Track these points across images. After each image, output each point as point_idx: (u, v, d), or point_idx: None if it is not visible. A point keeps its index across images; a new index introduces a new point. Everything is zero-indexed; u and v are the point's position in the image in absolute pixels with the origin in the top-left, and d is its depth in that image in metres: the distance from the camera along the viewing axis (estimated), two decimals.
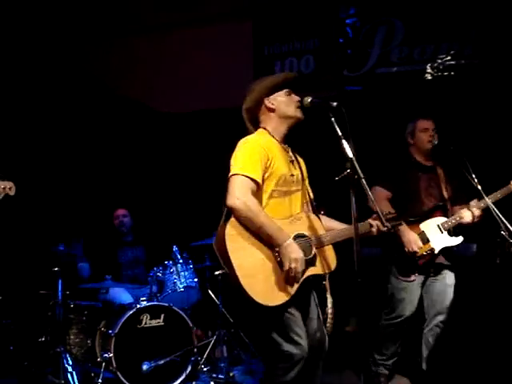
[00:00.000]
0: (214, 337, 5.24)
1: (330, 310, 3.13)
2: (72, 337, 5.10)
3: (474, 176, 4.10)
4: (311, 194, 3.40)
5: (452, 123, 5.21)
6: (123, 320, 4.66)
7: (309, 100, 3.21)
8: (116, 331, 4.61)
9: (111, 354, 4.56)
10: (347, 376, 4.73)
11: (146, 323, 4.77)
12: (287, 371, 3.02)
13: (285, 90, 3.26)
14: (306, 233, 3.14)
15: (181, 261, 5.27)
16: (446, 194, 4.39)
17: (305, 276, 3.05)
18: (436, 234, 4.23)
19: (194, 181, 6.79)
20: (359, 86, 6.22)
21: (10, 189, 3.85)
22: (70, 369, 4.70)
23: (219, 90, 6.56)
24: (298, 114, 3.24)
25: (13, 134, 6.11)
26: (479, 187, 4.10)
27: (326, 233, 3.20)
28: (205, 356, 5.13)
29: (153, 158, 7.00)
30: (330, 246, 3.21)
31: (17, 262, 5.84)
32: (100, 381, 4.52)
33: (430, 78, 5.80)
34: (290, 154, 3.33)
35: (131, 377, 4.56)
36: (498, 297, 5.08)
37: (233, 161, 3.12)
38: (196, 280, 5.30)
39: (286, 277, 2.98)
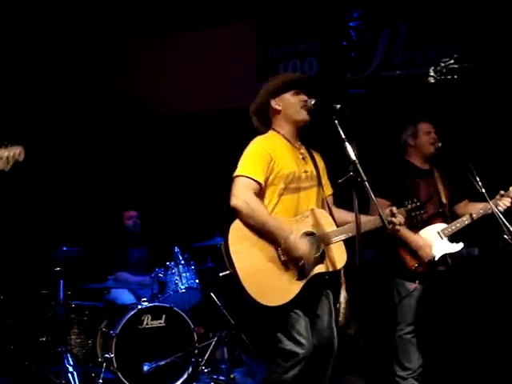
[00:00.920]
0: (215, 338, 5.24)
1: (342, 304, 3.14)
2: (73, 337, 5.12)
3: (478, 179, 4.09)
4: (330, 190, 3.42)
5: (455, 126, 5.21)
6: (124, 320, 4.67)
7: (312, 102, 3.22)
8: (117, 332, 4.62)
9: (112, 355, 4.57)
10: (349, 380, 4.70)
11: (147, 324, 4.78)
12: (288, 370, 3.04)
13: (291, 91, 3.27)
14: (315, 230, 3.15)
15: (182, 262, 5.27)
16: (444, 200, 4.37)
17: (311, 274, 3.07)
18: (436, 241, 4.22)
19: (196, 182, 6.79)
20: (362, 89, 6.22)
21: (19, 154, 3.58)
22: (70, 369, 4.71)
23: (223, 91, 6.57)
24: (303, 115, 3.25)
25: (18, 136, 6.10)
26: (483, 190, 4.09)
27: (335, 229, 3.20)
28: (205, 357, 5.13)
29: (155, 159, 7.00)
30: (341, 243, 3.21)
31: (18, 261, 5.84)
32: (101, 381, 4.53)
33: (433, 81, 5.80)
34: (302, 151, 3.34)
35: (132, 377, 4.57)
36: (499, 300, 5.07)
37: (238, 163, 3.17)
38: (197, 281, 5.30)
39: (293, 272, 3.01)
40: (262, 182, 3.11)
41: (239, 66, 6.67)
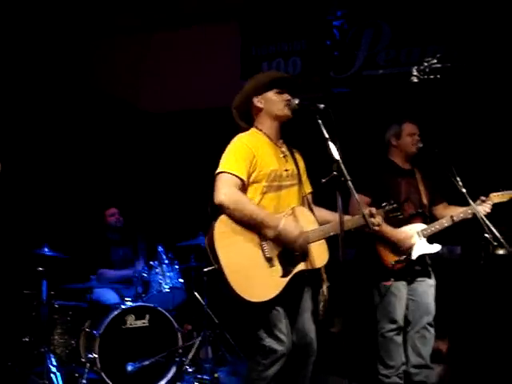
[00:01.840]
0: (199, 338, 5.24)
1: (321, 302, 3.16)
2: (56, 337, 5.08)
3: (458, 179, 4.13)
4: (309, 188, 3.44)
5: (437, 126, 5.25)
6: (108, 320, 4.65)
7: (296, 102, 3.23)
8: (101, 332, 4.60)
9: (96, 355, 4.54)
10: (333, 380, 4.71)
11: (130, 324, 4.76)
12: (268, 367, 3.06)
13: (274, 90, 3.29)
14: None
15: (166, 261, 5.26)
16: (425, 201, 4.41)
17: (294, 272, 3.09)
18: (415, 241, 4.25)
19: (179, 181, 6.78)
20: (346, 88, 6.24)
21: None
22: (54, 369, 4.67)
23: (206, 90, 6.55)
24: (286, 111, 3.27)
25: None
26: (464, 190, 4.13)
27: (317, 228, 3.22)
28: (189, 357, 5.13)
29: (138, 157, 6.98)
30: (323, 241, 3.23)
31: (1, 261, 5.79)
32: (84, 381, 4.50)
33: (416, 80, 5.83)
34: (284, 149, 3.36)
35: (116, 377, 4.55)
36: (481, 298, 5.11)
37: (220, 160, 3.18)
38: (181, 281, 5.29)
39: (277, 269, 3.04)
40: (245, 178, 3.13)
41: (223, 65, 6.67)
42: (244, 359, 5.16)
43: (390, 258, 4.23)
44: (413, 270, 4.30)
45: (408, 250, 4.18)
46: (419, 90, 5.78)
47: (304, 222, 3.19)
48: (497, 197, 4.23)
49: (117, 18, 6.72)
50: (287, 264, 3.09)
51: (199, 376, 4.98)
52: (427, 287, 4.37)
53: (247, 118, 3.40)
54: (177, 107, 6.86)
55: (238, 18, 6.69)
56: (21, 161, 6.09)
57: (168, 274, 5.19)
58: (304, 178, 3.43)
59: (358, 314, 4.48)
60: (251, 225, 3.04)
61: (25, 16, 6.21)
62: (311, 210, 3.33)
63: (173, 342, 4.83)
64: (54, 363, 4.74)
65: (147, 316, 4.83)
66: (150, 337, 4.78)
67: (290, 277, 3.07)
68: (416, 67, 5.86)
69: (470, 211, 4.19)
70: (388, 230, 4.10)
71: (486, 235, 4.07)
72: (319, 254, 3.20)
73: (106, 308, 5.00)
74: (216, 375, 4.93)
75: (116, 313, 4.70)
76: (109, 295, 5.43)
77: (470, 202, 4.15)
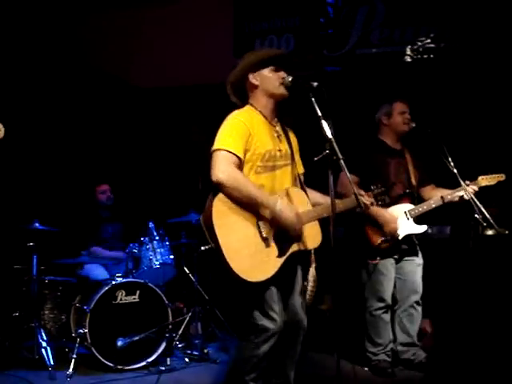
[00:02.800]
0: (189, 313, 5.27)
1: (310, 282, 3.18)
2: (46, 312, 5.09)
3: (450, 160, 4.14)
4: (302, 169, 3.43)
5: (430, 106, 5.25)
6: (98, 296, 4.65)
7: (290, 79, 3.21)
8: (91, 307, 4.61)
9: (86, 330, 4.56)
10: (321, 358, 4.74)
11: (121, 299, 4.77)
12: (260, 345, 3.07)
13: (270, 67, 3.25)
14: None
15: (157, 237, 5.26)
16: (414, 181, 4.43)
17: (289, 252, 3.10)
18: (402, 221, 4.27)
19: (170, 157, 6.76)
20: (339, 67, 6.22)
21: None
22: (44, 344, 4.67)
23: (198, 66, 6.51)
24: (282, 90, 3.23)
25: None
26: (455, 171, 4.15)
27: (311, 209, 3.23)
28: (179, 332, 5.16)
29: (129, 133, 6.94)
30: (316, 222, 3.24)
31: None
32: (74, 356, 4.51)
33: (409, 60, 5.82)
34: (278, 128, 3.33)
35: (106, 352, 4.57)
36: (470, 278, 5.16)
37: (216, 137, 3.13)
38: (172, 257, 5.29)
39: (273, 249, 3.04)
40: (241, 156, 3.09)
41: (215, 41, 6.62)
42: (233, 335, 5.19)
43: (377, 238, 4.26)
44: (399, 249, 4.34)
45: (392, 233, 4.21)
46: (412, 70, 5.77)
47: (298, 203, 3.19)
48: (485, 180, 4.26)
49: None
50: (282, 244, 3.09)
51: (189, 351, 5.01)
52: (415, 266, 4.41)
53: (242, 95, 3.35)
54: (168, 83, 6.81)
55: None
56: (11, 136, 6.05)
57: (159, 250, 5.19)
58: (297, 157, 3.40)
59: (347, 291, 4.51)
60: (248, 204, 3.01)
61: None
62: (304, 190, 3.33)
63: (163, 318, 4.84)
64: (45, 338, 4.75)
65: (138, 292, 4.84)
66: (141, 312, 4.79)
67: (285, 257, 3.08)
68: (409, 47, 5.84)
69: (457, 193, 4.22)
70: (375, 210, 4.10)
71: (476, 216, 4.11)
72: (313, 236, 3.20)
73: (97, 283, 5.01)
74: (206, 351, 4.96)
75: (106, 288, 4.70)
76: (99, 271, 5.42)
77: (461, 182, 4.18)
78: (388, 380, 4.23)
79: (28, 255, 4.89)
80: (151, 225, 5.32)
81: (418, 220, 4.32)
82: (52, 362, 4.54)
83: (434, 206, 4.30)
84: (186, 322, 5.25)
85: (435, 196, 4.33)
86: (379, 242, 4.24)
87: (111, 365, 4.56)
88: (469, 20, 5.63)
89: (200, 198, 3.20)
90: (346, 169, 2.93)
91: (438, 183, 4.49)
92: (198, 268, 5.29)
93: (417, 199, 4.43)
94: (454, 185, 4.24)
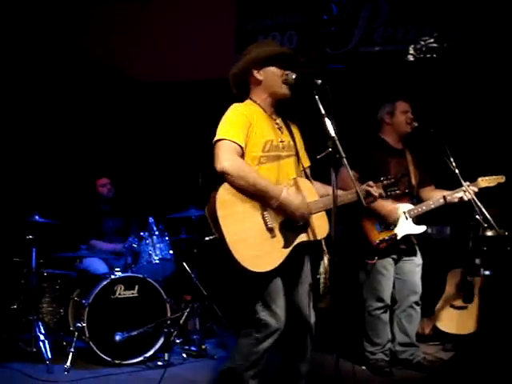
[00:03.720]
0: (188, 309, 5.26)
1: (322, 275, 3.16)
2: (45, 305, 5.09)
3: (452, 160, 4.14)
4: (307, 162, 3.42)
5: (432, 106, 5.24)
6: (97, 290, 4.65)
7: (293, 76, 3.19)
8: (90, 301, 4.60)
9: (84, 324, 4.56)
10: (319, 357, 4.73)
11: (119, 294, 4.77)
12: (261, 341, 3.05)
13: (276, 65, 3.24)
14: None
15: (156, 232, 5.25)
16: (414, 181, 4.42)
17: (295, 243, 3.08)
18: (401, 221, 4.27)
19: (170, 153, 6.75)
20: (342, 64, 6.20)
21: None
22: (42, 337, 4.67)
23: (201, 62, 6.50)
24: (284, 90, 3.23)
25: None
26: (457, 171, 4.14)
27: (317, 200, 3.21)
28: (178, 328, 5.15)
29: (129, 127, 6.92)
30: (323, 213, 3.22)
31: None
32: (72, 350, 4.51)
33: (412, 59, 5.80)
34: (278, 121, 3.33)
35: (104, 347, 4.57)
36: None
37: (217, 129, 3.13)
38: (171, 252, 5.29)
39: (278, 239, 3.02)
40: (243, 146, 3.09)
41: (218, 37, 6.60)
42: (231, 331, 5.19)
43: (375, 237, 4.26)
44: (398, 248, 4.33)
45: (394, 222, 4.19)
46: (415, 69, 5.76)
47: (306, 193, 3.17)
48: (484, 181, 4.25)
49: None
50: (289, 234, 3.07)
51: (187, 347, 5.01)
52: (414, 266, 4.40)
53: (243, 87, 3.35)
54: (169, 78, 6.80)
55: None
56: (11, 129, 6.04)
57: (158, 245, 5.18)
58: (302, 151, 3.39)
59: (346, 290, 4.50)
60: (253, 193, 3.00)
61: None
62: (311, 182, 3.32)
63: (161, 313, 4.85)
64: (42, 331, 4.74)
65: (136, 286, 4.83)
66: (139, 307, 4.79)
67: (291, 247, 3.06)
68: (412, 46, 5.83)
69: (456, 195, 4.21)
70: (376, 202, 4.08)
71: (477, 216, 4.11)
72: (320, 226, 3.18)
73: (96, 277, 5.01)
74: (203, 347, 4.96)
75: (105, 282, 4.70)
76: (98, 265, 5.42)
77: (463, 182, 4.17)
78: (386, 379, 4.23)
79: (27, 248, 4.88)
80: (151, 220, 5.31)
81: (418, 220, 4.31)
82: (50, 356, 4.55)
83: (433, 206, 4.29)
84: (184, 317, 5.24)
85: (434, 197, 4.33)
86: (378, 241, 4.24)
87: (109, 359, 4.56)
88: (472, 20, 5.62)
89: (200, 194, 3.19)
90: (348, 167, 2.92)
91: (439, 184, 4.48)
92: (198, 264, 5.28)
93: (416, 199, 4.42)
94: (455, 185, 4.23)
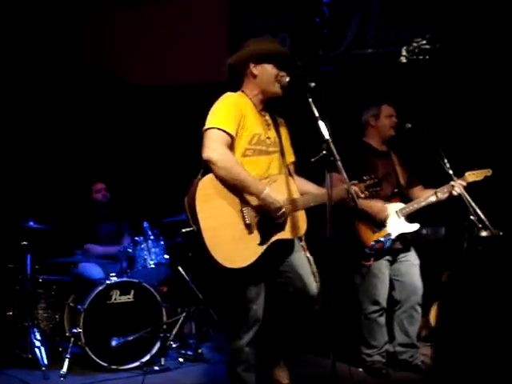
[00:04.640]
0: (184, 313, 5.25)
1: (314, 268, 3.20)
2: (40, 311, 5.08)
3: (446, 161, 4.15)
4: (292, 158, 3.43)
5: (425, 107, 5.25)
6: (93, 295, 4.64)
7: (287, 80, 3.22)
8: (85, 307, 4.59)
9: (80, 330, 4.54)
10: (315, 359, 4.73)
11: (115, 299, 4.76)
12: (241, 335, 3.14)
13: (273, 63, 3.27)
14: (281, 196, 3.16)
15: (152, 237, 5.24)
16: (402, 181, 4.43)
17: (271, 240, 3.10)
18: (393, 220, 4.28)
19: (166, 156, 6.74)
20: (334, 67, 6.21)
21: None
22: (37, 343, 4.66)
23: (194, 65, 6.50)
24: (276, 89, 3.27)
25: None
26: (451, 172, 4.15)
27: (299, 197, 3.24)
28: (174, 332, 5.14)
29: (124, 132, 6.91)
30: (302, 211, 3.25)
31: None
32: (68, 356, 4.49)
33: (405, 60, 5.82)
34: (267, 118, 3.36)
35: (100, 352, 4.55)
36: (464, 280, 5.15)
37: (208, 117, 3.14)
38: (166, 257, 5.28)
39: (255, 236, 3.05)
40: (234, 135, 3.11)
41: (211, 40, 6.60)
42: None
43: (370, 238, 4.26)
44: (393, 249, 4.33)
45: (384, 222, 4.20)
46: (408, 71, 5.77)
47: (286, 191, 3.20)
48: (472, 175, 4.27)
49: None
50: (266, 232, 3.09)
51: (183, 351, 5.00)
52: (411, 267, 4.40)
53: (236, 79, 3.36)
54: (164, 82, 6.79)
55: None
56: (7, 134, 6.03)
57: (153, 249, 5.18)
58: (287, 146, 3.42)
59: (341, 292, 4.50)
60: (235, 187, 3.02)
61: None
62: (292, 179, 3.34)
63: (157, 318, 4.84)
64: (38, 337, 4.74)
65: (132, 291, 4.82)
66: (135, 312, 4.78)
67: (267, 245, 3.08)
68: (405, 47, 5.84)
69: (446, 189, 4.22)
70: (364, 202, 4.05)
71: (471, 217, 4.11)
72: (298, 224, 3.21)
73: (91, 283, 4.99)
74: (200, 351, 4.95)
75: (101, 288, 4.69)
76: (93, 270, 5.39)
77: (454, 179, 4.18)
78: (382, 381, 4.22)
79: (22, 254, 4.87)
80: (146, 224, 5.30)
81: (412, 220, 4.32)
82: (45, 362, 4.53)
83: (424, 204, 4.31)
84: (180, 321, 5.23)
85: (425, 195, 4.34)
86: (373, 243, 4.24)
87: (105, 364, 4.55)
88: (464, 21, 5.64)
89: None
90: (343, 170, 2.93)
91: (430, 185, 4.48)
92: (193, 268, 5.27)
93: (406, 199, 4.43)
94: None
